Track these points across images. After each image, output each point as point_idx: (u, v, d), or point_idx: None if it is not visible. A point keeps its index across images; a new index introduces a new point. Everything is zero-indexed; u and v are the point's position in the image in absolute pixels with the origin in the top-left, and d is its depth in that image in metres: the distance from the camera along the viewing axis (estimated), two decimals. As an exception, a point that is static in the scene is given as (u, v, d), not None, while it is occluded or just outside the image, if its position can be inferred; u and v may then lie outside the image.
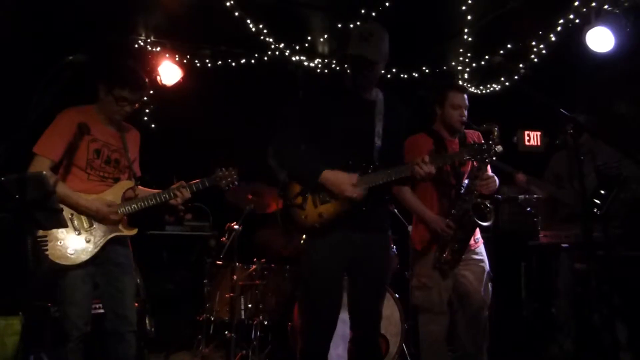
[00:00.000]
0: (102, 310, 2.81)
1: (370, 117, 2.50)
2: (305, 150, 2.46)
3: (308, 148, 2.47)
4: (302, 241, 2.48)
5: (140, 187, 2.86)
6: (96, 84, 2.72)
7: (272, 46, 4.91)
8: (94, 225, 2.63)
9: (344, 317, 2.50)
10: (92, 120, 2.72)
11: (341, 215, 2.39)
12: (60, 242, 2.54)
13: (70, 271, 2.56)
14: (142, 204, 2.70)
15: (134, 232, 2.74)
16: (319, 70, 5.16)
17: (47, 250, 2.49)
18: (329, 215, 2.38)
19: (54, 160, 2.61)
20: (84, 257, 2.57)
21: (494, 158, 2.72)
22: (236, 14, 4.51)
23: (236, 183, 2.88)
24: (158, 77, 4.86)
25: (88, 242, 2.60)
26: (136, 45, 4.82)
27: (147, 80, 2.81)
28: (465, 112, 3.08)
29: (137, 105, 2.79)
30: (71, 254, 2.55)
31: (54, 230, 2.51)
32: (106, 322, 2.70)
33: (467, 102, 3.12)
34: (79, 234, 2.58)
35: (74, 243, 2.56)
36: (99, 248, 2.61)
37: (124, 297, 2.71)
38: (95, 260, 2.62)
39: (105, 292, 2.71)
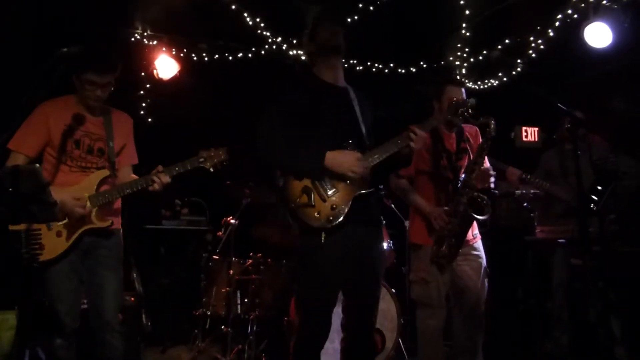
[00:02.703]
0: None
1: (350, 103, 2.53)
2: (297, 140, 2.40)
3: (300, 139, 2.41)
4: (308, 239, 2.35)
5: (132, 175, 2.76)
6: (64, 57, 2.47)
7: (269, 40, 4.89)
8: (65, 219, 2.52)
9: (339, 311, 2.49)
10: (70, 109, 2.62)
11: (351, 203, 2.34)
12: None
13: (52, 267, 2.48)
14: (117, 194, 2.59)
15: (107, 224, 2.59)
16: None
17: (40, 244, 2.45)
18: (341, 206, 2.33)
19: (28, 155, 2.55)
20: (56, 252, 2.48)
21: (470, 111, 2.73)
22: (233, 7, 4.50)
23: (225, 164, 2.66)
24: (155, 71, 4.84)
25: (59, 236, 2.50)
26: (133, 39, 4.80)
27: (117, 61, 2.61)
28: (464, 107, 3.07)
29: (111, 88, 2.64)
30: (43, 249, 2.46)
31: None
32: (90, 319, 2.61)
33: (464, 96, 3.11)
34: (50, 228, 2.49)
35: (45, 238, 2.47)
36: (71, 242, 2.51)
37: (104, 294, 2.58)
38: (70, 254, 2.52)
39: (87, 289, 2.62)
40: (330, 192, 2.35)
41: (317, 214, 2.31)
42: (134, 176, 2.77)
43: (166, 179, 2.57)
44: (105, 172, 2.64)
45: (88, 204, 2.54)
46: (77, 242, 2.54)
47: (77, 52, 2.44)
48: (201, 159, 2.63)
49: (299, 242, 2.43)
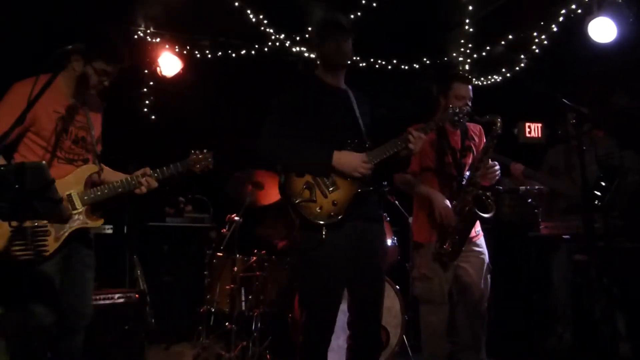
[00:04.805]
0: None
1: (351, 105, 2.58)
2: (301, 139, 2.44)
3: (303, 138, 2.45)
4: (309, 234, 2.38)
5: (105, 167, 2.58)
6: (69, 52, 2.30)
7: (272, 37, 4.88)
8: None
9: (344, 308, 2.50)
10: (56, 93, 2.39)
11: (352, 199, 2.38)
12: None
13: (39, 267, 2.33)
14: (109, 192, 2.41)
15: (99, 223, 2.44)
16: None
17: (47, 240, 2.41)
18: (342, 202, 2.37)
19: None
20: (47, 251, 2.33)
21: (467, 117, 2.78)
22: (236, 4, 4.50)
23: (210, 167, 2.58)
24: (158, 68, 4.84)
25: (49, 235, 2.35)
26: (135, 37, 4.80)
27: (131, 51, 2.54)
28: (469, 104, 3.06)
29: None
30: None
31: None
32: (65, 318, 2.44)
33: (471, 93, 3.10)
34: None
35: None
36: (61, 242, 2.36)
37: (84, 294, 2.49)
38: (59, 254, 2.38)
39: (66, 288, 2.45)
40: (331, 189, 2.39)
41: (319, 209, 2.35)
42: (112, 171, 2.61)
43: (153, 183, 2.46)
44: (94, 168, 2.48)
45: (78, 203, 2.38)
46: (68, 243, 2.39)
47: (97, 41, 2.37)
48: (191, 162, 2.55)
49: (299, 239, 2.44)
